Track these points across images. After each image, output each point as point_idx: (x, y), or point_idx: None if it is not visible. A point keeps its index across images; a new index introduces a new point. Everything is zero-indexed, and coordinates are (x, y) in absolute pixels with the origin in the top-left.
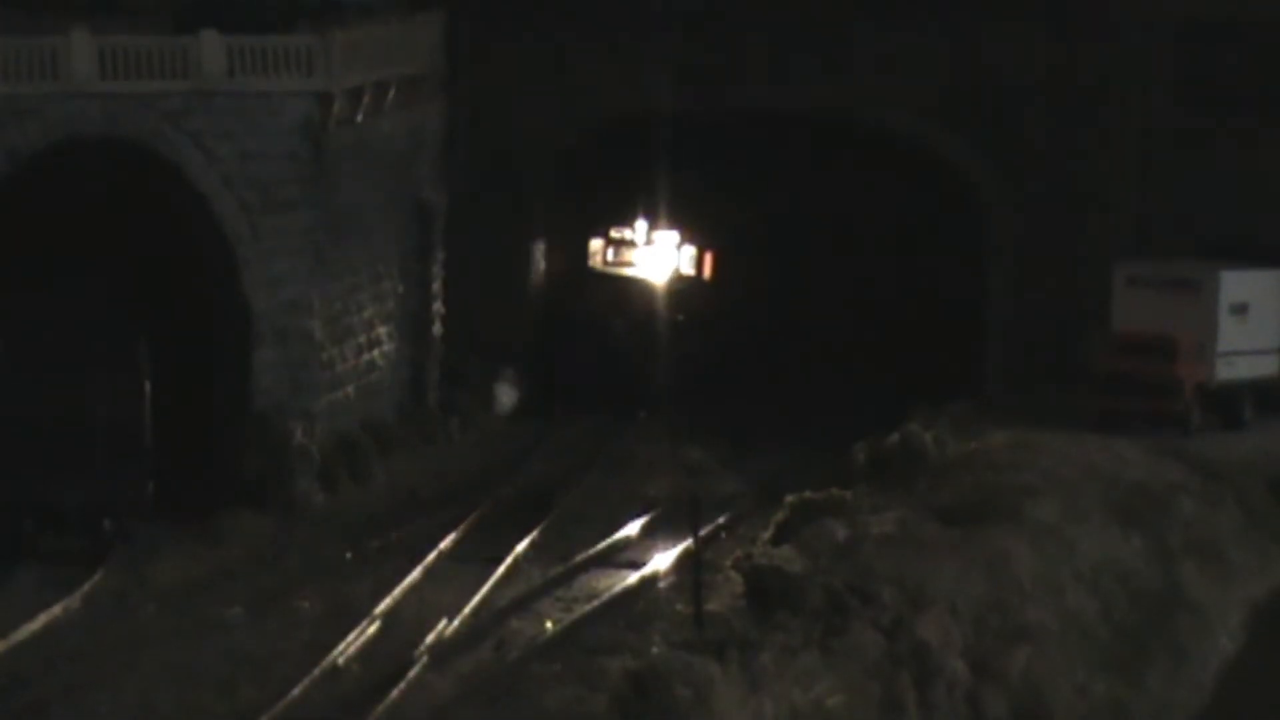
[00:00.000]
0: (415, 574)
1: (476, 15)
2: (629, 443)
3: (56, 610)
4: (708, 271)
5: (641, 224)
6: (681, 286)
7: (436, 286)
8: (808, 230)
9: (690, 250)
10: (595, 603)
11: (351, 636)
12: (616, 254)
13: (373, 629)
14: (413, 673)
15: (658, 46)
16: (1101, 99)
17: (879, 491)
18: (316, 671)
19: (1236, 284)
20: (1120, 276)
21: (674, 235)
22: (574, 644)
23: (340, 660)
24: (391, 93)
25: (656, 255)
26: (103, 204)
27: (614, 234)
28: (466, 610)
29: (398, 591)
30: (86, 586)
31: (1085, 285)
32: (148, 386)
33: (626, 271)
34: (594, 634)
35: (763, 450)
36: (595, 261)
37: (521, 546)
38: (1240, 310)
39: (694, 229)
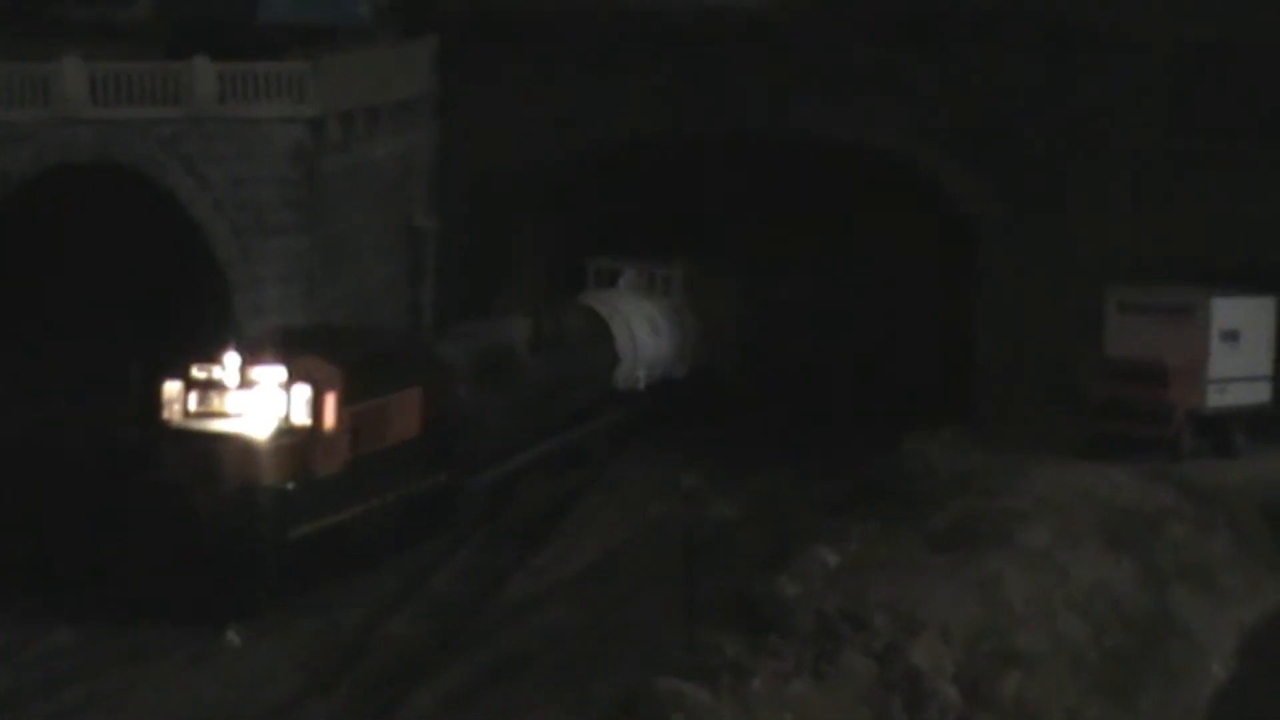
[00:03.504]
0: None
1: (468, 40)
2: None
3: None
4: (329, 420)
5: (233, 359)
6: (293, 442)
7: (427, 312)
8: (800, 254)
9: (305, 391)
10: None
11: None
12: (202, 401)
13: None
14: None
15: (650, 72)
16: (1094, 123)
17: (871, 516)
18: None
19: (1228, 310)
20: (1112, 302)
21: (279, 372)
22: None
23: None
24: (384, 118)
25: (256, 401)
26: (95, 229)
27: (196, 373)
28: None
29: None
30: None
31: (1078, 310)
32: (140, 410)
33: (214, 426)
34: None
35: (755, 476)
36: (173, 413)
37: None
38: (1232, 337)
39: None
